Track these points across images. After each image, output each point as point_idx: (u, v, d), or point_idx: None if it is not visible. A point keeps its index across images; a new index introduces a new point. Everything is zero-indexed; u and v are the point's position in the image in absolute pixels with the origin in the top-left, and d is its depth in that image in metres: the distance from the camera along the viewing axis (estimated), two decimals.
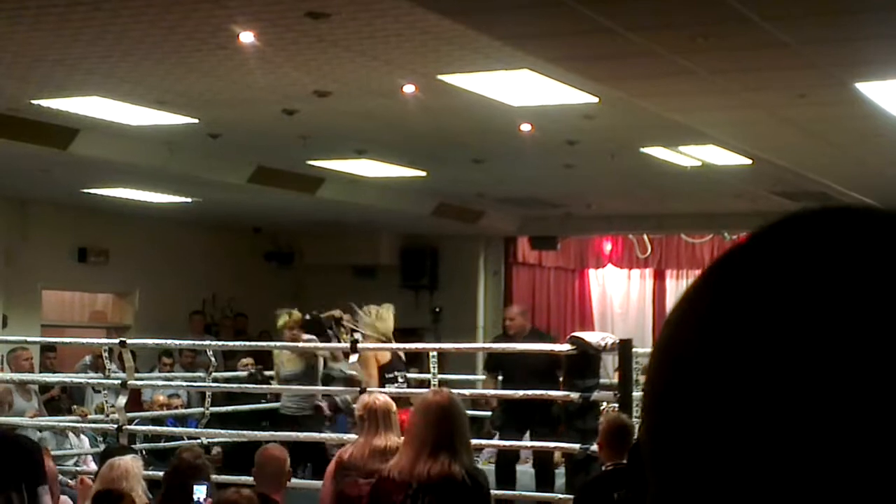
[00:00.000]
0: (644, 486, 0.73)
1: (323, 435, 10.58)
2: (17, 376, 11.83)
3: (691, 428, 0.69)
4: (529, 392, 9.48)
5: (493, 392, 10.75)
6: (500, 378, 11.07)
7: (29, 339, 12.57)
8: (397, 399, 10.14)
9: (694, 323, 0.71)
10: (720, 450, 0.67)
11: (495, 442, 10.89)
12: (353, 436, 9.62)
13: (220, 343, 12.97)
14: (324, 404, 11.53)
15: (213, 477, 9.39)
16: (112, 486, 5.99)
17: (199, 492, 5.92)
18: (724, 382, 0.68)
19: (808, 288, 0.68)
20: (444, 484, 5.67)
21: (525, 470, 11.65)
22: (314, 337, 11.51)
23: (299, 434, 9.99)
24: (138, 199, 14.12)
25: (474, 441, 11.53)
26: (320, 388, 10.92)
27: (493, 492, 9.20)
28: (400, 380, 10.28)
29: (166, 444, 11.28)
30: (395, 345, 10.66)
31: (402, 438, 6.30)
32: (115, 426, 10.11)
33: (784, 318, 0.67)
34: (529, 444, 9.97)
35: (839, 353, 0.65)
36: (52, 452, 9.50)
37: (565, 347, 9.05)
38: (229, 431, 11.23)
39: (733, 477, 0.67)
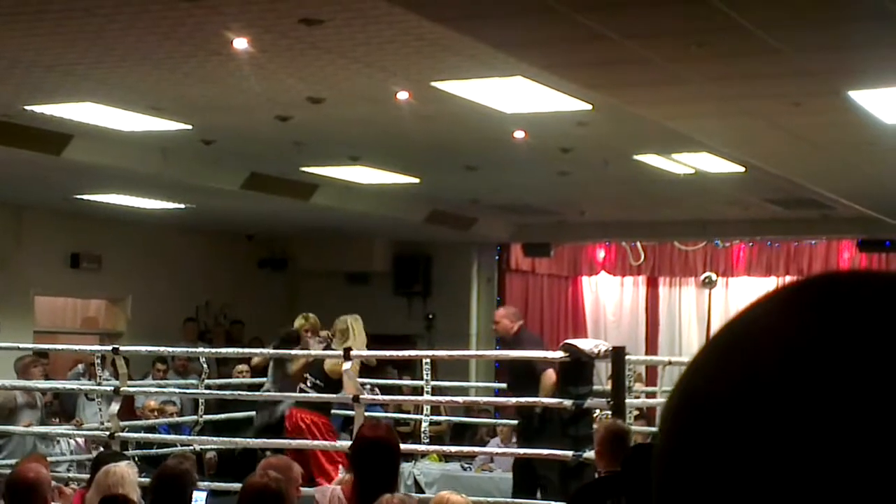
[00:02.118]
0: (643, 494, 0.73)
1: (316, 443, 10.56)
2: (9, 382, 11.79)
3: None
4: (522, 399, 9.48)
5: (485, 399, 10.75)
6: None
7: (22, 345, 12.53)
8: (307, 403, 10.21)
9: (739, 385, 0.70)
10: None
11: (487, 449, 10.88)
12: (346, 442, 9.60)
13: (212, 350, 12.95)
14: None
15: (208, 484, 9.40)
16: (110, 493, 5.98)
17: (199, 499, 5.89)
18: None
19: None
20: None
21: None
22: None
23: (290, 441, 9.97)
24: (131, 206, 14.11)
25: (466, 448, 11.58)
26: (311, 395, 10.90)
27: (478, 499, 9.21)
28: (308, 384, 10.30)
29: (158, 450, 11.27)
30: (388, 352, 10.65)
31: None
32: (108, 433, 10.09)
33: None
34: (522, 451, 9.95)
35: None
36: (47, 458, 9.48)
37: (558, 354, 9.05)
38: (221, 438, 11.23)
39: None
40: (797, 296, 0.72)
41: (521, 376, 10.01)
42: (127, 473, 6.30)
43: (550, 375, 9.86)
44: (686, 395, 0.72)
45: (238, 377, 13.11)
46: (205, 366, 11.90)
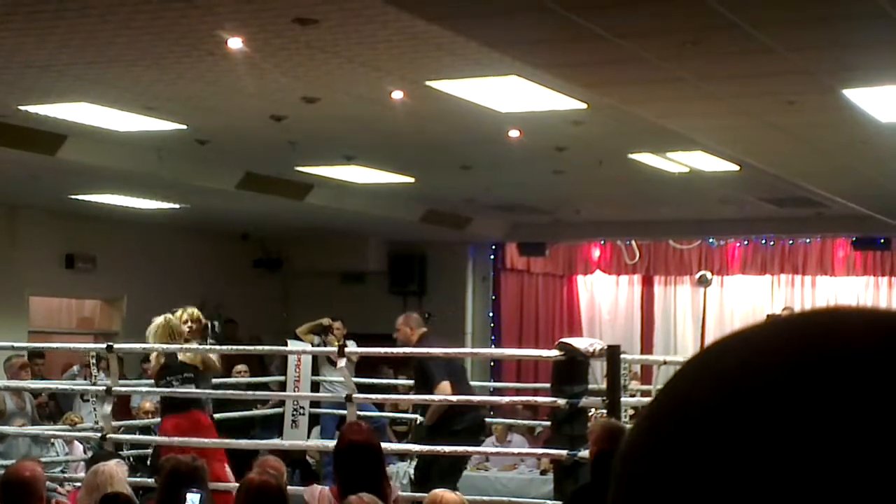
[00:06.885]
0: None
1: (309, 443, 10.59)
2: (2, 382, 11.77)
3: None
4: (516, 398, 9.48)
5: (479, 398, 10.73)
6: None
7: (16, 344, 12.51)
8: (172, 403, 10.10)
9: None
10: None
11: (482, 449, 10.87)
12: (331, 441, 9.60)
13: (207, 348, 12.91)
14: None
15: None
16: (100, 492, 5.97)
17: (193, 500, 5.86)
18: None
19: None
20: None
21: (513, 476, 11.61)
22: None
23: (284, 442, 9.97)
24: (126, 206, 14.10)
25: (461, 448, 11.56)
26: (308, 394, 10.92)
27: (474, 498, 9.22)
28: (175, 384, 10.20)
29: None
30: (384, 349, 10.64)
31: None
32: (100, 434, 10.07)
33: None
34: (517, 450, 9.98)
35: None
36: (41, 460, 9.47)
37: (554, 353, 9.05)
38: (215, 441, 11.20)
39: None
40: (801, 321, 0.72)
41: (418, 386, 9.96)
42: (116, 472, 6.30)
43: (444, 388, 9.81)
44: (671, 397, 0.73)
45: (235, 376, 13.09)
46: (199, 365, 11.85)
